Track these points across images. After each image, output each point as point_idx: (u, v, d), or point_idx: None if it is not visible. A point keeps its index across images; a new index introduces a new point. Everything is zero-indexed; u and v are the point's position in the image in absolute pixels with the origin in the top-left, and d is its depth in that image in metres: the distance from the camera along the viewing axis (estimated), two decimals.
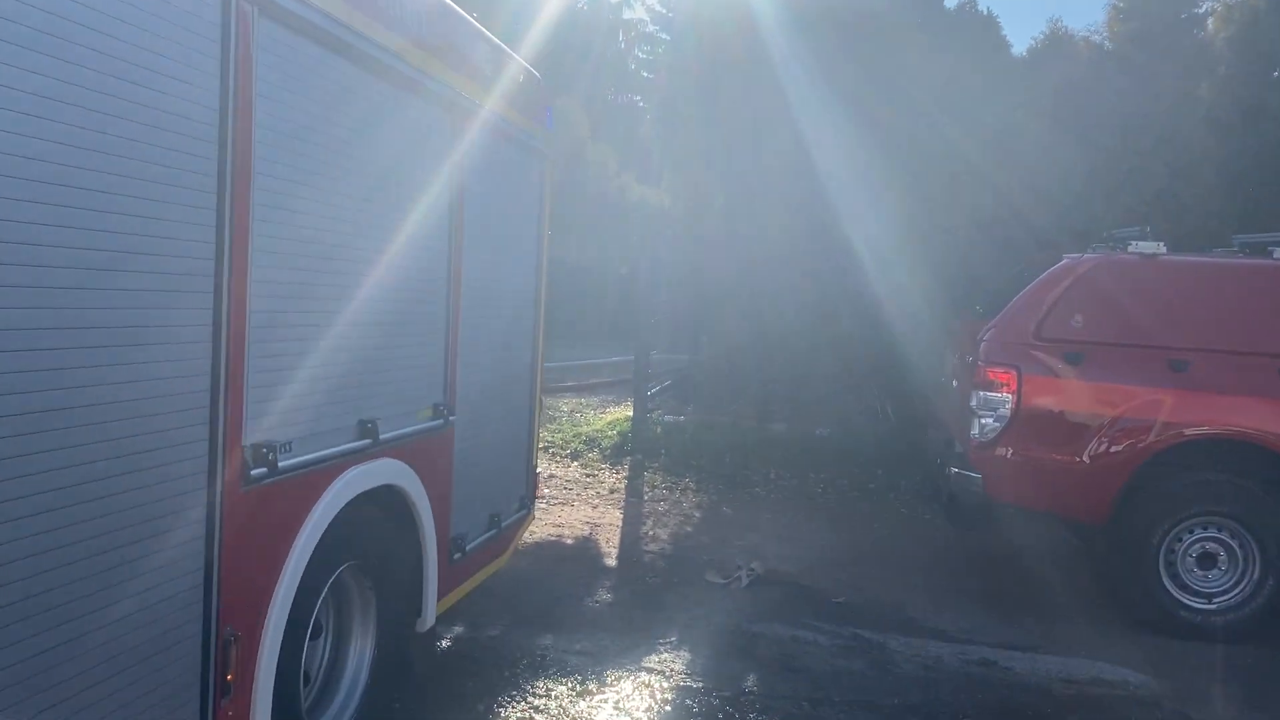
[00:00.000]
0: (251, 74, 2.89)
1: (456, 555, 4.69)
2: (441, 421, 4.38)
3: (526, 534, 7.35)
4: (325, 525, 3.39)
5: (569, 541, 7.53)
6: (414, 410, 4.15)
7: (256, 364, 2.99)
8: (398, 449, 3.96)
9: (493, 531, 5.22)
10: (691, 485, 9.41)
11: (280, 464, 3.09)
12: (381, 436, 3.76)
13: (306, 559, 3.29)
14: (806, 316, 10.18)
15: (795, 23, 9.94)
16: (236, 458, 2.91)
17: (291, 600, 3.22)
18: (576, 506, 8.60)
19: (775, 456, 10.01)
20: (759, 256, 10.34)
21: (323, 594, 3.55)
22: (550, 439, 11.01)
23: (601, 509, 8.55)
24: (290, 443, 3.19)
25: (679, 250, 11.62)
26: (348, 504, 3.55)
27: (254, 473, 2.98)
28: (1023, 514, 6.75)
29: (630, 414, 11.36)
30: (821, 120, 9.75)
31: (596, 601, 6.21)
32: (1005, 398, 6.23)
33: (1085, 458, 6.16)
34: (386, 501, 3.97)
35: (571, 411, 13.01)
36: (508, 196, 5.15)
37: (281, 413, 3.14)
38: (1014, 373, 6.22)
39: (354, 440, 3.62)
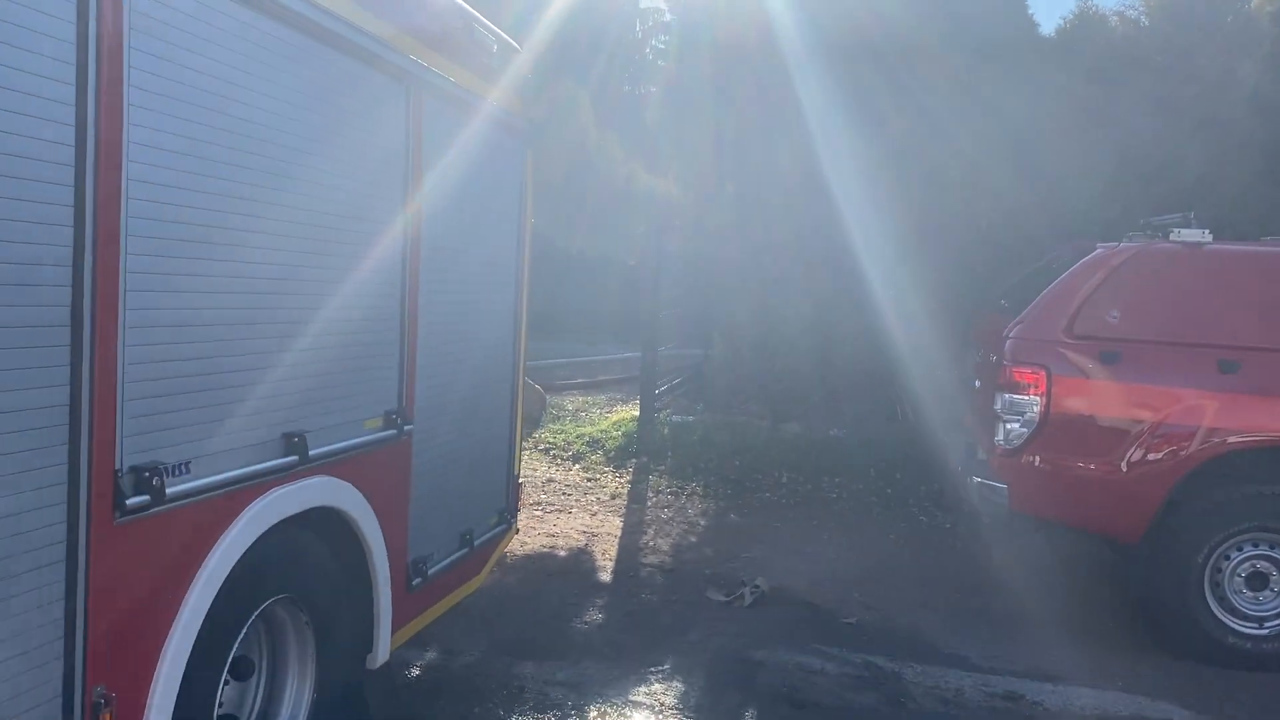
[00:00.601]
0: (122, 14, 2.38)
1: (416, 580, 4.18)
2: (395, 432, 3.87)
3: (517, 545, 6.87)
4: (237, 558, 2.90)
5: (562, 553, 7.02)
6: (359, 420, 3.65)
7: (135, 370, 2.49)
8: (337, 465, 3.46)
9: (464, 551, 4.70)
10: (698, 490, 8.89)
11: (169, 490, 2.59)
12: (312, 452, 3.26)
13: (210, 599, 2.79)
14: (820, 311, 9.64)
15: (810, 21, 9.45)
16: (106, 484, 2.41)
17: (190, 650, 2.72)
18: (574, 514, 8.09)
19: (787, 459, 9.45)
20: (770, 250, 9.81)
21: (239, 638, 3.05)
22: (552, 440, 10.51)
23: (601, 516, 8.04)
24: (186, 464, 2.69)
25: (688, 242, 11.11)
26: (269, 531, 3.05)
27: (131, 501, 2.47)
28: (1051, 528, 6.21)
29: (637, 413, 10.86)
30: (835, 116, 9.26)
31: (585, 623, 5.70)
32: (1033, 400, 5.68)
33: (1122, 467, 5.59)
34: (323, 525, 3.47)
35: (576, 411, 12.50)
36: (479, 179, 4.62)
37: (172, 428, 2.63)
38: (1043, 373, 5.67)
39: (276, 457, 3.11)
